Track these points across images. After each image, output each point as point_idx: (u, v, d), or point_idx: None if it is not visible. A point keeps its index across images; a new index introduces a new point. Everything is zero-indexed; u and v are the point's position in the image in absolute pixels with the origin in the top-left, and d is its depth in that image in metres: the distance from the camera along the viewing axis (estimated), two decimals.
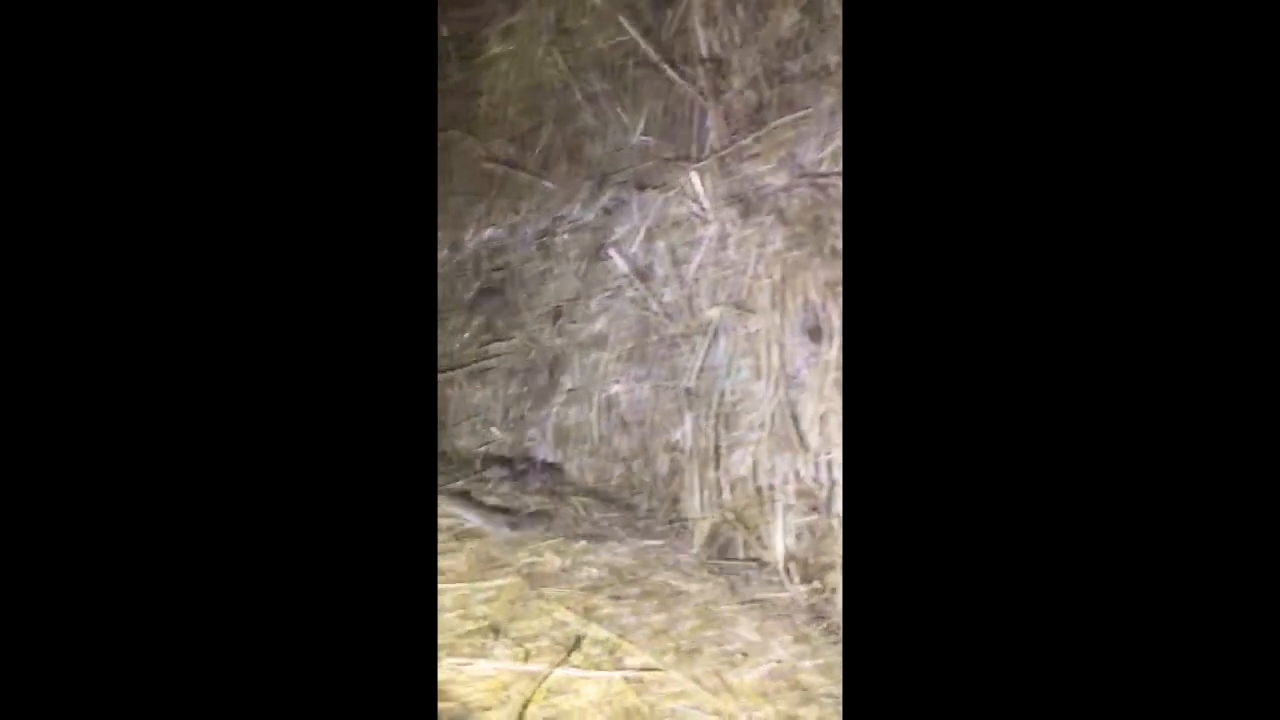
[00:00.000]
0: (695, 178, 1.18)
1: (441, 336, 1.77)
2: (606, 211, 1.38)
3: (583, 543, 0.98)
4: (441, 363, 1.73)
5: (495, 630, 0.71)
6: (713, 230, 1.16)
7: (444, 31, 1.84)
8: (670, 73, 1.21)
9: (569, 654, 0.67)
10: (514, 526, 1.05)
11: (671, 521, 1.13)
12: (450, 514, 1.04)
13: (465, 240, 1.71)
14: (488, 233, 1.67)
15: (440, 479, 1.29)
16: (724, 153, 1.17)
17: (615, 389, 1.31)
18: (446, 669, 0.63)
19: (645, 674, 0.68)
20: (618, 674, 0.67)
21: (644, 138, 1.33)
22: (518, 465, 1.44)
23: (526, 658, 0.66)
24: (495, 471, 1.41)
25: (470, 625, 0.72)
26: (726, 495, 1.07)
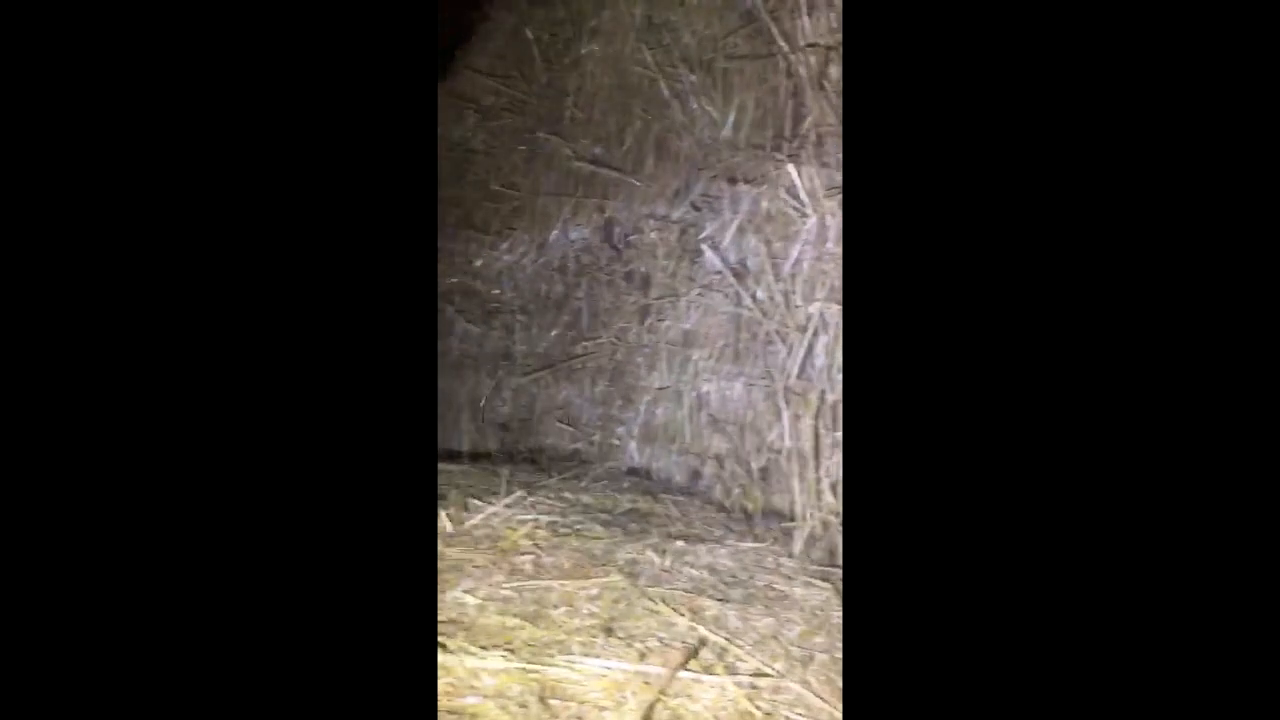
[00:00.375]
0: (792, 170, 1.14)
1: (528, 336, 1.79)
2: (696, 208, 1.36)
3: (680, 543, 0.96)
4: (529, 362, 1.76)
5: (606, 629, 0.70)
6: (811, 223, 1.12)
7: (529, 35, 1.87)
8: (789, 53, 1.18)
9: (689, 659, 0.66)
10: (606, 525, 1.04)
11: (770, 523, 1.10)
12: (548, 511, 1.04)
13: (551, 240, 1.73)
14: (574, 232, 1.68)
15: (531, 476, 1.30)
16: (822, 143, 1.13)
17: (706, 388, 1.29)
18: (560, 666, 0.62)
19: (758, 680, 0.66)
20: (730, 679, 0.65)
21: (736, 131, 1.30)
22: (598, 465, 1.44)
23: (641, 658, 0.64)
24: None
25: (578, 623, 0.71)
26: (828, 498, 1.03)
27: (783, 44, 1.20)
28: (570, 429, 1.59)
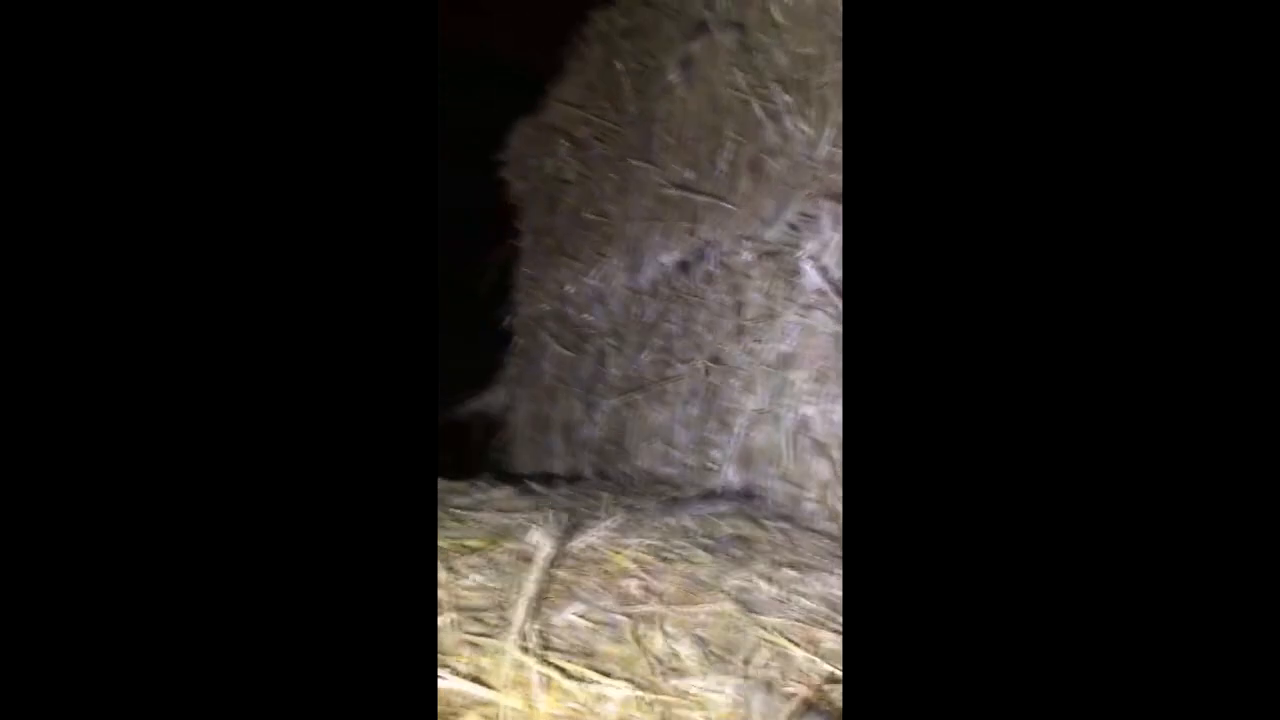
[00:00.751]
0: None
1: (619, 359, 1.80)
2: (793, 227, 1.34)
3: (790, 571, 0.92)
4: (621, 384, 1.76)
5: (723, 659, 0.68)
6: None
7: (619, 66, 1.91)
8: None
9: (821, 700, 0.63)
10: (710, 550, 1.01)
11: None
12: (661, 535, 1.03)
13: (643, 264, 1.74)
14: (665, 256, 1.69)
15: (628, 500, 1.30)
16: None
17: (808, 410, 1.25)
18: (680, 695, 0.60)
19: None
20: None
21: (833, 148, 1.28)
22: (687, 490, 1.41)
23: (766, 690, 0.62)
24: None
25: (694, 651, 0.69)
26: None
27: None
28: (664, 452, 1.58)
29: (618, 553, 0.94)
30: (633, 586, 0.83)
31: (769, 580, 0.88)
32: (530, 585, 0.65)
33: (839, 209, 1.23)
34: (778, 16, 1.40)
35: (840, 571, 0.97)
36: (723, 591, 0.84)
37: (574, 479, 1.65)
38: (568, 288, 2.01)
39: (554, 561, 0.88)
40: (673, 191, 1.65)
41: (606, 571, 0.88)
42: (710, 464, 1.45)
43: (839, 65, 1.29)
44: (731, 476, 1.39)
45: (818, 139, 1.31)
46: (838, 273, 1.22)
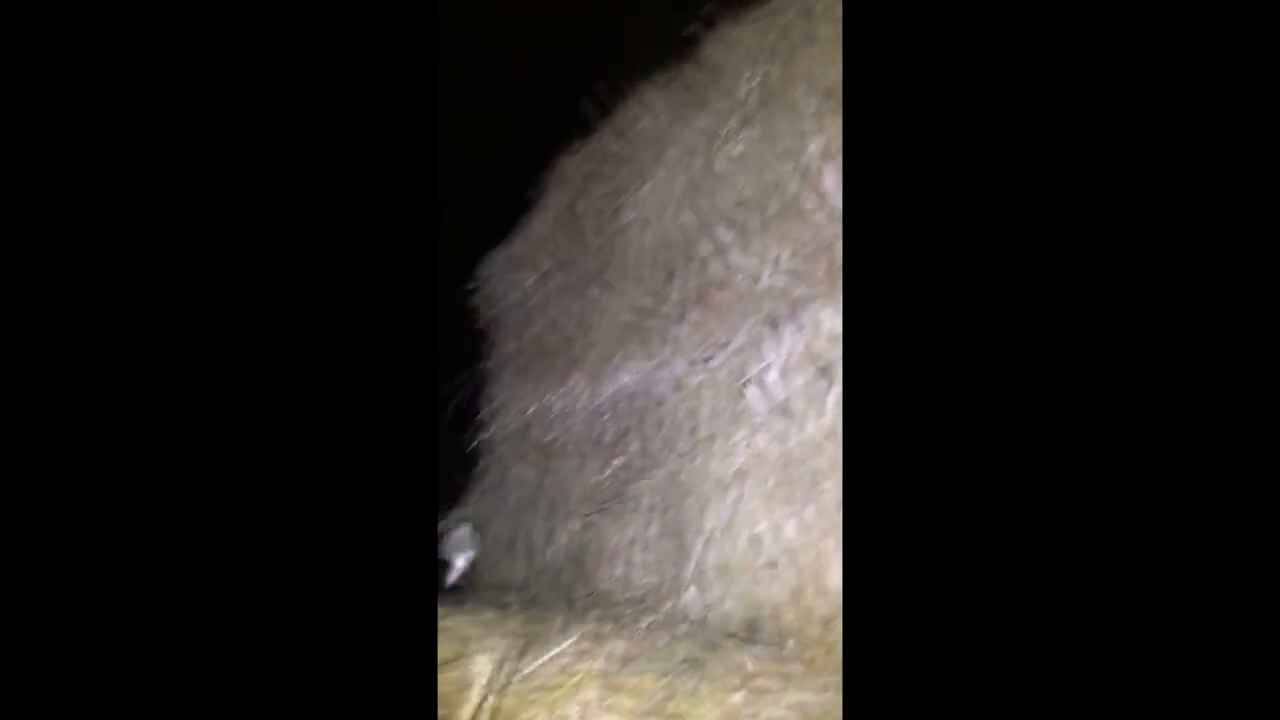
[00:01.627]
0: (830, 311, 1.20)
1: (581, 478, 1.82)
2: (739, 352, 1.43)
3: (739, 696, 0.92)
4: (583, 506, 1.77)
5: None
6: None
7: (579, 208, 2.08)
8: (816, 212, 1.28)
9: None
10: (663, 674, 1.00)
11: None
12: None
13: (603, 387, 1.81)
14: (625, 378, 1.76)
15: (584, 622, 1.28)
16: None
17: (760, 527, 1.28)
18: None
19: None
20: None
21: (775, 281, 1.39)
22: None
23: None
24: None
25: None
26: None
27: (812, 198, 1.31)
28: (624, 574, 1.57)
29: (571, 677, 0.93)
30: (581, 713, 0.82)
31: (718, 704, 0.87)
32: (466, 713, 0.65)
33: (781, 334, 1.32)
34: (721, 166, 1.57)
35: (801, 692, 0.96)
36: (677, 717, 0.83)
37: (532, 601, 1.62)
38: (531, 408, 2.06)
39: (500, 688, 0.87)
40: (631, 318, 1.75)
41: (554, 699, 0.86)
42: (669, 583, 1.44)
43: (779, 203, 1.43)
44: (692, 597, 1.39)
45: (760, 271, 1.43)
46: (781, 394, 1.29)
